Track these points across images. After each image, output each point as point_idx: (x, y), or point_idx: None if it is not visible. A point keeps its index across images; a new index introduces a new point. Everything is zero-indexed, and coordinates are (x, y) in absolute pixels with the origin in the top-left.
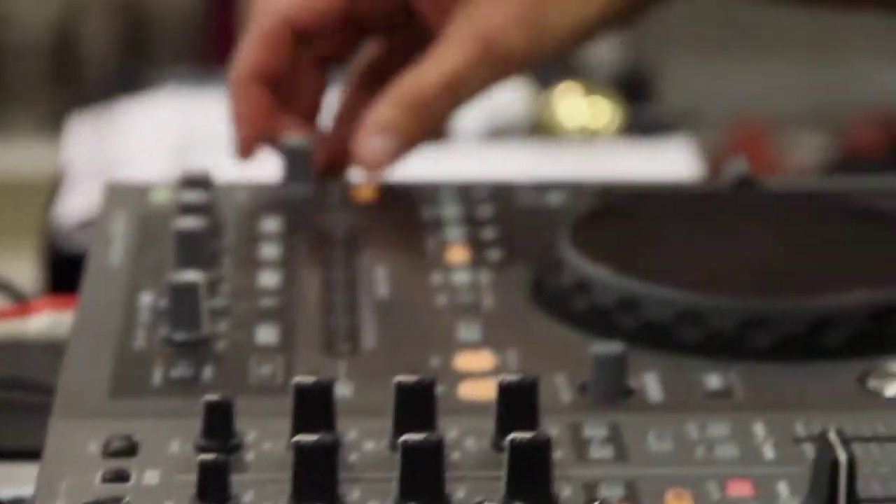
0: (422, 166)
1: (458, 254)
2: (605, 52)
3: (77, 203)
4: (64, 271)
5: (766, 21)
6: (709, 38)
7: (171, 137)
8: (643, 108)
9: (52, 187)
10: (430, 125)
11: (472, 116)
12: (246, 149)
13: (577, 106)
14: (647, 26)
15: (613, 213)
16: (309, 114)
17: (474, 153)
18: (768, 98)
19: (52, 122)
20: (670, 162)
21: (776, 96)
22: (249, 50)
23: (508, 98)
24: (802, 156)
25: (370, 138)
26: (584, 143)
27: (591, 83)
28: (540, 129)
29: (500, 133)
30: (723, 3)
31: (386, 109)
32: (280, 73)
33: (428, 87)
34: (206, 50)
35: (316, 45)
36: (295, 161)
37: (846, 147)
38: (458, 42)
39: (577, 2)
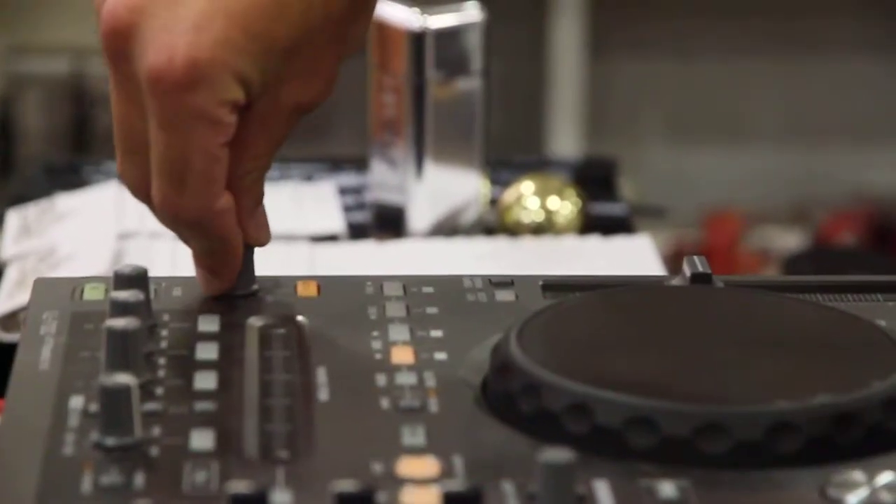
0: (371, 262)
1: (402, 354)
2: (568, 145)
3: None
4: None
5: (739, 106)
6: (680, 128)
7: (108, 231)
8: (606, 204)
9: None
10: None
11: (427, 213)
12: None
13: (536, 202)
14: (614, 117)
15: (563, 311)
16: None
17: (428, 250)
18: (741, 189)
19: None
20: (632, 260)
21: (749, 187)
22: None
23: (465, 194)
24: (775, 249)
25: (259, 222)
26: (544, 240)
27: (552, 178)
28: (498, 226)
29: (455, 230)
30: (694, 89)
31: (256, 192)
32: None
33: (269, 164)
34: None
35: None
36: None
37: (821, 239)
38: (279, 118)
39: (354, 47)
